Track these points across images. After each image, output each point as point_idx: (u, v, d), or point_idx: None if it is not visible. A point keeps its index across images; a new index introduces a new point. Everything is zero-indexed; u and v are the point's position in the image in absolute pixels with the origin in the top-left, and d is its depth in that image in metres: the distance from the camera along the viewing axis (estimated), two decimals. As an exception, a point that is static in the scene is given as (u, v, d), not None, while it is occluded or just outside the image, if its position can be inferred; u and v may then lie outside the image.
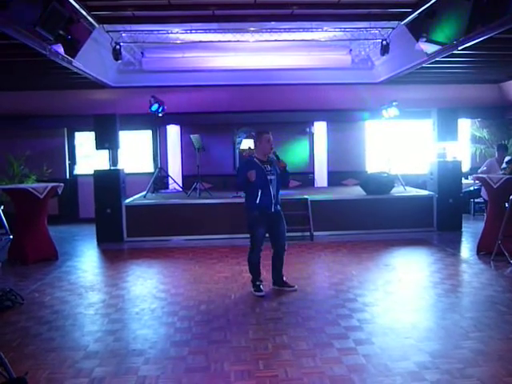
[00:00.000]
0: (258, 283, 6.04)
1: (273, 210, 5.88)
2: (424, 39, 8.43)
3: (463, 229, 10.23)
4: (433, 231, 10.10)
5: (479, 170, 9.27)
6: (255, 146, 6.09)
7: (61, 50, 7.96)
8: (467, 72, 11.08)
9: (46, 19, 6.66)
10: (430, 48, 8.56)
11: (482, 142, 13.12)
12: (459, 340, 4.44)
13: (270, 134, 5.92)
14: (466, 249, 8.74)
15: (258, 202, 5.83)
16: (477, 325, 4.81)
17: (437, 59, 8.86)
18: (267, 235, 6.04)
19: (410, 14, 8.11)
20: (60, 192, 8.46)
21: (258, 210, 5.88)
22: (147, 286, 6.67)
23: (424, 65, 9.46)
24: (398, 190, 10.87)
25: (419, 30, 8.48)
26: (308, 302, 5.71)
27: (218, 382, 3.75)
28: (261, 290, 5.99)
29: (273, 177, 5.87)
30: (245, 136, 13.12)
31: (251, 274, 6.11)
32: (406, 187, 11.21)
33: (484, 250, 7.88)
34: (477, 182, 9.26)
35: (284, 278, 6.20)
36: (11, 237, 8.73)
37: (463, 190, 10.70)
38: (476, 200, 12.15)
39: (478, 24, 6.93)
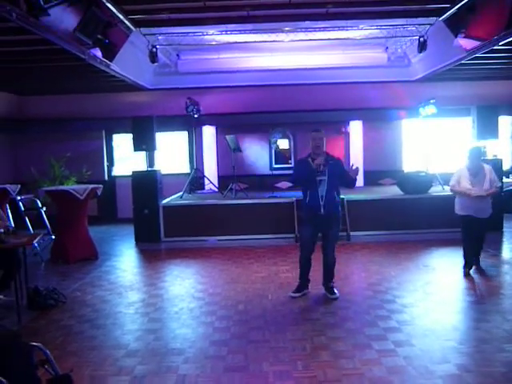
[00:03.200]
0: (299, 282, 6.00)
1: (322, 211, 5.68)
2: (463, 35, 8.27)
3: (504, 229, 9.97)
4: (473, 231, 9.86)
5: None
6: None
7: (99, 53, 8.13)
8: (508, 68, 10.80)
9: (85, 24, 6.83)
10: (469, 44, 8.38)
11: (524, 140, 12.77)
12: (502, 343, 4.34)
13: (319, 132, 5.76)
14: (508, 249, 8.52)
15: (307, 202, 5.80)
16: (521, 327, 4.69)
17: (476, 55, 8.66)
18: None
19: (448, 9, 7.96)
20: (99, 193, 8.64)
21: (306, 211, 5.87)
22: (185, 285, 6.74)
23: (463, 61, 9.26)
24: (436, 190, 10.67)
25: (458, 25, 8.31)
26: (346, 303, 5.67)
27: (256, 382, 3.77)
28: (296, 291, 5.94)
29: (323, 177, 5.66)
30: (280, 136, 13.11)
31: (300, 272, 6.05)
32: (445, 186, 10.98)
33: (527, 250, 7.67)
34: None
35: (331, 284, 5.97)
36: (53, 237, 8.96)
37: (504, 189, 10.42)
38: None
39: (519, 18, 6.76)
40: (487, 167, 6.75)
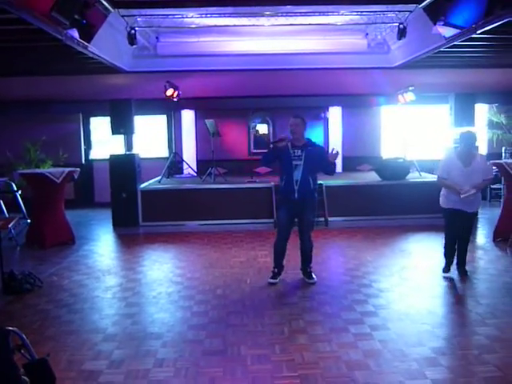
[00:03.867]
0: (274, 270, 6.01)
1: (296, 196, 5.71)
2: (442, 23, 8.29)
3: (479, 215, 10.13)
4: (448, 217, 10.02)
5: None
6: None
7: (76, 34, 7.96)
8: (485, 56, 10.89)
9: (62, 4, 6.67)
10: (447, 32, 8.42)
11: (500, 128, 12.94)
12: (475, 326, 4.45)
13: (296, 118, 5.77)
14: (482, 235, 8.68)
15: (282, 185, 5.83)
16: (493, 312, 4.81)
17: (455, 43, 8.72)
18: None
19: (428, -4, 7.98)
20: (76, 177, 8.54)
21: (281, 194, 5.92)
22: (163, 270, 6.73)
23: (441, 49, 9.31)
24: (414, 176, 10.80)
25: (437, 13, 8.34)
26: (323, 288, 5.73)
27: (235, 366, 3.80)
28: (273, 278, 5.96)
29: (299, 162, 5.68)
30: (259, 121, 13.08)
31: (274, 259, 6.06)
32: (422, 173, 11.13)
33: (500, 236, 7.84)
34: (494, 168, 9.15)
35: (309, 269, 6.00)
36: (29, 221, 8.85)
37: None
38: (493, 186, 12.03)
39: (496, 7, 6.81)
40: (480, 156, 6.03)
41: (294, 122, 5.77)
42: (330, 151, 5.80)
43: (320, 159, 5.78)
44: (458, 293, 5.47)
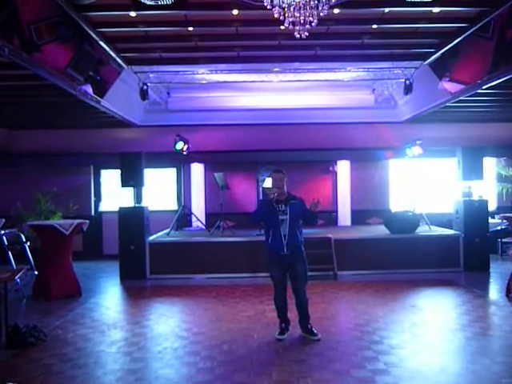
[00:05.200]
0: (281, 325, 5.88)
1: (285, 251, 5.65)
2: (447, 78, 8.48)
3: (491, 269, 9.99)
4: (459, 271, 9.88)
5: None
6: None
7: (90, 90, 8.20)
8: (492, 111, 11.05)
9: (77, 61, 6.91)
10: (453, 87, 8.58)
11: (509, 181, 12.93)
12: (491, 386, 4.29)
13: (279, 173, 5.77)
14: (495, 290, 8.51)
15: (269, 242, 5.77)
16: (509, 370, 4.65)
17: (461, 98, 8.86)
18: None
19: (433, 53, 8.20)
20: (85, 229, 8.55)
21: (270, 251, 5.81)
22: (170, 324, 6.62)
23: (448, 104, 9.47)
24: (423, 229, 10.71)
25: (442, 69, 8.55)
26: (333, 344, 5.59)
27: (241, 426, 3.67)
28: (282, 334, 5.81)
29: (285, 217, 5.66)
30: (268, 175, 13.14)
31: (277, 315, 5.96)
32: (432, 226, 11.05)
33: (513, 291, 7.66)
34: (504, 221, 9.08)
35: (309, 326, 5.83)
36: (36, 272, 8.81)
37: (490, 230, 10.50)
38: (503, 240, 11.90)
39: (501, 63, 6.95)
40: None
41: (278, 177, 5.76)
42: (312, 200, 5.68)
43: (302, 211, 5.76)
44: (472, 350, 5.30)
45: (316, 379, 4.52)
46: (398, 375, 4.59)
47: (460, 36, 7.43)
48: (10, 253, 8.86)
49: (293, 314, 5.96)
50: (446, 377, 4.52)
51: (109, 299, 8.49)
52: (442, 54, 8.03)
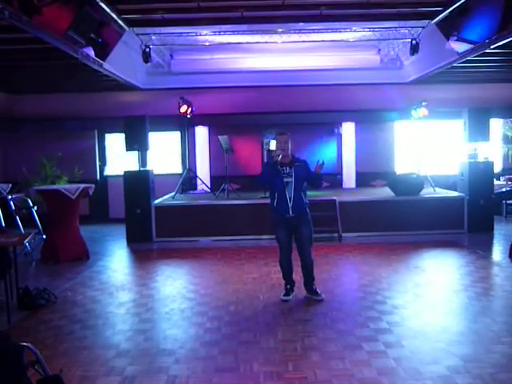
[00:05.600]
0: (286, 287, 5.98)
1: (291, 213, 5.68)
2: (455, 38, 8.32)
3: (495, 231, 10.04)
4: (463, 233, 9.94)
5: None
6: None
7: (92, 53, 8.10)
8: (499, 71, 10.88)
9: (78, 23, 6.80)
10: (461, 47, 8.43)
11: (515, 142, 12.85)
12: (491, 344, 4.37)
13: (283, 136, 5.73)
14: (498, 251, 8.58)
15: (275, 205, 5.77)
16: (509, 329, 4.73)
17: (468, 58, 8.72)
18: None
19: (440, 12, 8.01)
20: (91, 193, 8.62)
21: (275, 213, 5.82)
22: (176, 286, 6.74)
23: (454, 64, 9.31)
24: (428, 192, 10.73)
25: (450, 28, 8.36)
26: (337, 304, 5.69)
27: (247, 383, 3.77)
28: (287, 295, 5.90)
29: (290, 179, 5.65)
30: (273, 137, 13.08)
31: (282, 277, 6.05)
32: (436, 188, 11.06)
33: (517, 252, 7.72)
34: (509, 182, 9.07)
35: (314, 287, 5.92)
36: (44, 236, 8.92)
37: (495, 192, 10.49)
38: (508, 201, 11.91)
39: (510, 22, 6.80)
40: None
41: (284, 139, 5.72)
42: (316, 162, 5.68)
43: (307, 173, 5.76)
44: (474, 310, 5.39)
45: (320, 338, 4.62)
46: (401, 334, 4.69)
47: (468, -7, 7.26)
48: (17, 217, 8.95)
49: (297, 275, 6.05)
50: (448, 336, 4.61)
51: (116, 262, 8.62)
52: (450, 12, 7.83)
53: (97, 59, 8.34)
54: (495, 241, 9.39)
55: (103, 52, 8.47)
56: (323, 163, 5.69)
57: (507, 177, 8.37)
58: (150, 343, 4.64)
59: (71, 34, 6.80)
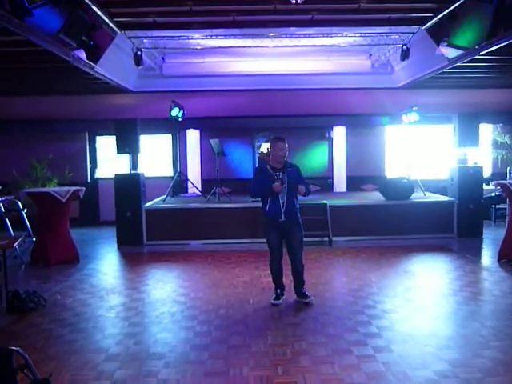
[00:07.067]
0: (277, 291, 5.98)
1: (283, 218, 5.70)
2: (445, 44, 8.38)
3: (484, 235, 10.12)
4: (453, 238, 10.01)
5: None
6: (269, 152, 6.00)
7: (83, 55, 8.08)
8: (489, 77, 10.97)
9: (70, 26, 6.79)
10: (451, 53, 8.49)
11: (504, 148, 12.95)
12: (479, 349, 4.41)
13: (284, 142, 5.74)
14: (487, 256, 8.65)
15: (267, 209, 5.79)
16: (497, 334, 4.77)
17: (458, 64, 8.79)
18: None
19: (430, 18, 8.07)
20: (82, 196, 8.58)
21: (268, 218, 5.84)
22: (167, 289, 6.73)
23: (445, 70, 9.39)
24: (418, 196, 10.79)
25: (440, 34, 8.42)
26: (327, 308, 5.71)
27: (237, 387, 3.78)
28: (277, 299, 5.91)
29: (283, 185, 5.67)
30: (264, 140, 13.15)
31: (272, 281, 6.07)
32: (426, 193, 11.13)
33: (505, 257, 7.78)
34: (498, 187, 9.15)
35: (303, 290, 5.95)
36: (34, 239, 8.88)
37: (484, 196, 10.58)
38: (497, 206, 12.01)
39: (500, 28, 6.86)
40: None
41: (284, 146, 5.73)
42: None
43: (298, 179, 5.79)
44: (462, 314, 5.43)
45: (310, 342, 4.64)
46: (390, 338, 4.72)
47: (458, 0, 7.32)
48: (7, 220, 8.91)
49: (288, 279, 6.07)
50: (436, 340, 4.64)
51: (106, 265, 8.59)
52: (440, 18, 7.90)
53: (88, 62, 8.32)
54: (484, 245, 9.47)
55: (95, 55, 8.45)
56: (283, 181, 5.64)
57: (496, 182, 8.44)
58: (139, 347, 4.63)
59: (62, 36, 6.78)
